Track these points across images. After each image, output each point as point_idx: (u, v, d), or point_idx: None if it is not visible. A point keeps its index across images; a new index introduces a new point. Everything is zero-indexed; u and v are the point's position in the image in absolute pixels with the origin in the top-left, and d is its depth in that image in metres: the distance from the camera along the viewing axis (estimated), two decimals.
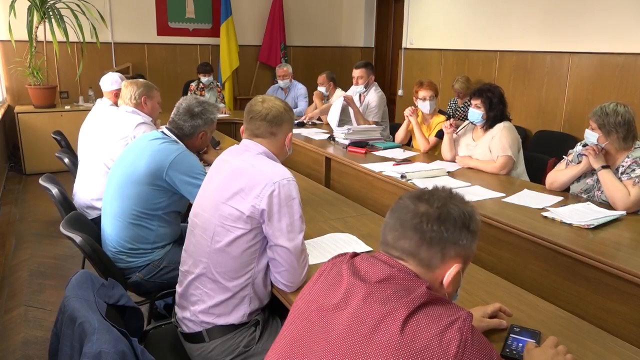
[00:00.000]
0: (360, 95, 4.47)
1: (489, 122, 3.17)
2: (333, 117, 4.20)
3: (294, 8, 7.49)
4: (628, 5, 4.02)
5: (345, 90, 4.83)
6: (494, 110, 3.13)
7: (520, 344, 1.35)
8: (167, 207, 2.24)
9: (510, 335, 1.40)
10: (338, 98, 4.41)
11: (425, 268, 1.07)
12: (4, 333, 2.68)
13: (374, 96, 4.40)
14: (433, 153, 3.70)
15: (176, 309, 1.80)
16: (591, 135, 2.52)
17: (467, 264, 1.13)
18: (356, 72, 4.39)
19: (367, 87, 4.42)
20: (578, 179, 2.66)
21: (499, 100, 3.13)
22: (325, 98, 4.96)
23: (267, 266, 1.69)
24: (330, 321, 1.02)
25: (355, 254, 1.16)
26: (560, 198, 2.61)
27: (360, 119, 4.28)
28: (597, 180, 2.54)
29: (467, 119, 3.34)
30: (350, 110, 4.31)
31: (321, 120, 4.97)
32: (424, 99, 3.69)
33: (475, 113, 3.18)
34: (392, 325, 0.94)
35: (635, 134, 2.49)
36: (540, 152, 4.03)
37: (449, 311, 0.97)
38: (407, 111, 3.76)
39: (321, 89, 4.89)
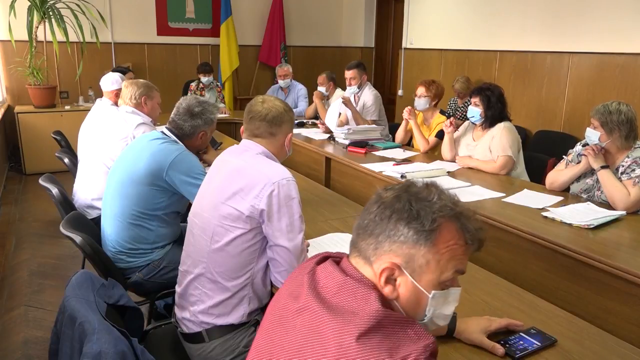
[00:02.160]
0: (354, 96, 4.47)
1: (488, 121, 3.17)
2: (331, 119, 4.20)
3: (294, 8, 7.49)
4: (628, 5, 4.02)
5: (343, 90, 4.84)
6: (491, 109, 3.13)
7: (524, 344, 1.35)
8: (167, 207, 2.24)
9: (521, 333, 1.41)
10: (337, 98, 4.41)
11: (364, 260, 0.99)
12: (4, 333, 2.68)
13: (369, 95, 4.41)
14: (433, 153, 3.70)
15: (176, 309, 1.80)
16: (593, 134, 2.52)
17: (427, 279, 0.96)
18: (348, 74, 4.41)
19: (360, 87, 4.43)
20: (578, 178, 2.66)
21: (497, 99, 3.13)
22: (325, 98, 4.96)
23: (267, 266, 1.69)
24: (286, 335, 0.97)
25: (322, 260, 1.07)
26: (560, 198, 2.61)
27: (359, 119, 4.28)
28: (597, 180, 2.54)
29: (467, 119, 3.34)
30: (349, 111, 4.31)
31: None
32: (419, 97, 3.71)
33: (474, 111, 3.19)
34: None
35: (637, 133, 2.49)
36: (540, 152, 4.02)
37: (392, 343, 0.85)
38: (405, 112, 3.77)
39: (321, 89, 4.89)
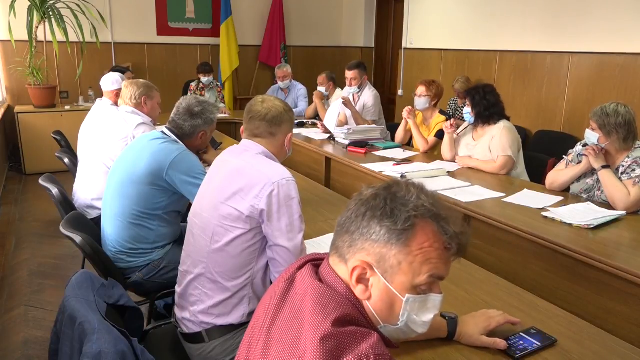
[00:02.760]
0: (353, 96, 4.47)
1: (481, 119, 3.19)
2: (331, 120, 4.20)
3: (294, 8, 7.49)
4: (628, 5, 4.02)
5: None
6: (477, 106, 3.17)
7: (524, 344, 1.35)
8: (167, 207, 2.24)
9: (520, 333, 1.41)
10: (337, 98, 4.42)
11: (340, 259, 0.97)
12: (4, 333, 2.68)
13: (369, 95, 4.42)
14: (433, 153, 3.70)
15: (175, 309, 1.80)
16: (592, 135, 2.52)
17: (399, 281, 0.92)
18: (349, 74, 4.40)
19: (360, 87, 4.43)
20: (578, 178, 2.66)
21: (481, 97, 3.16)
22: (325, 98, 4.96)
23: (267, 266, 1.69)
24: (261, 342, 0.98)
25: (303, 264, 1.06)
26: (560, 198, 2.61)
27: (358, 119, 4.28)
28: (597, 180, 2.54)
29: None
30: (348, 111, 4.31)
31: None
32: (419, 96, 3.71)
33: (466, 112, 3.26)
34: None
35: (636, 134, 2.49)
36: (540, 152, 4.03)
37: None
38: (405, 112, 3.77)
39: (321, 88, 4.89)
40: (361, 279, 0.94)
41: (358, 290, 0.94)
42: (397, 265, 0.92)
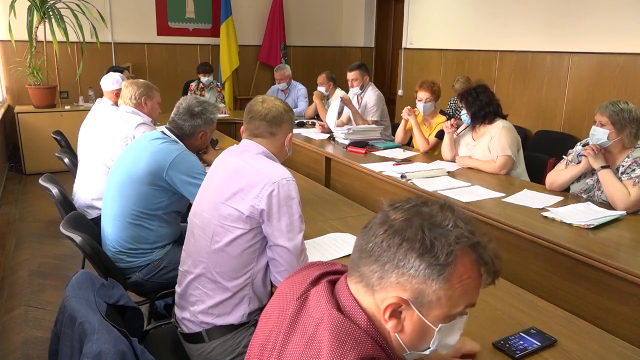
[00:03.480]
0: (357, 97, 4.48)
1: (478, 119, 3.20)
2: (331, 118, 4.20)
3: (294, 8, 7.49)
4: (628, 5, 4.02)
5: (345, 90, 4.84)
6: (472, 107, 3.18)
7: (524, 344, 1.35)
8: (167, 207, 2.24)
9: (520, 333, 1.41)
10: (337, 98, 4.41)
11: (366, 289, 0.90)
12: (4, 333, 2.68)
13: (371, 95, 4.41)
14: (433, 153, 3.70)
15: (175, 309, 1.80)
16: (600, 132, 2.48)
17: (435, 314, 0.87)
18: (350, 75, 4.41)
19: (362, 88, 4.43)
20: (578, 178, 2.66)
21: (474, 98, 3.17)
22: (325, 98, 4.96)
23: (267, 266, 1.69)
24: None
25: (318, 278, 1.01)
26: (560, 198, 2.60)
27: (358, 119, 4.28)
28: (597, 180, 2.54)
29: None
30: (349, 111, 4.31)
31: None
32: (420, 100, 3.70)
33: (463, 114, 3.26)
34: None
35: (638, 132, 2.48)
36: (540, 152, 4.02)
37: None
38: (404, 112, 3.76)
39: (321, 88, 4.89)
40: (395, 313, 0.88)
41: (390, 325, 0.89)
42: (436, 301, 0.86)
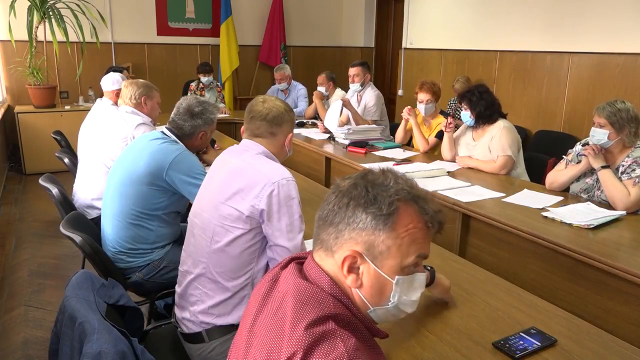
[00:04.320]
0: (357, 95, 4.48)
1: (481, 120, 3.18)
2: (331, 120, 4.20)
3: (294, 8, 7.49)
4: (628, 5, 4.02)
5: (345, 89, 4.84)
6: (476, 108, 3.15)
7: (524, 344, 1.35)
8: (167, 207, 2.24)
9: (520, 333, 1.41)
10: (337, 98, 4.42)
11: (326, 252, 0.98)
12: (4, 333, 2.68)
13: (371, 95, 4.42)
14: (433, 153, 3.70)
15: (175, 309, 1.80)
16: (600, 133, 2.49)
17: (389, 265, 0.95)
18: (352, 70, 4.43)
19: (363, 85, 4.44)
20: (578, 178, 2.66)
21: (478, 98, 3.15)
22: (325, 98, 4.96)
23: (267, 266, 1.69)
24: (243, 340, 1.00)
25: (287, 263, 1.07)
26: (560, 198, 2.60)
27: (358, 119, 4.28)
28: (597, 180, 2.54)
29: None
30: (348, 111, 4.31)
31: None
32: (421, 102, 3.70)
33: (465, 115, 3.23)
34: None
35: (637, 130, 2.48)
36: (540, 152, 4.03)
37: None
38: (405, 112, 3.76)
39: (321, 88, 4.89)
40: (352, 269, 0.95)
41: (349, 280, 0.95)
42: (387, 251, 0.94)
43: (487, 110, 3.15)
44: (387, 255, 0.94)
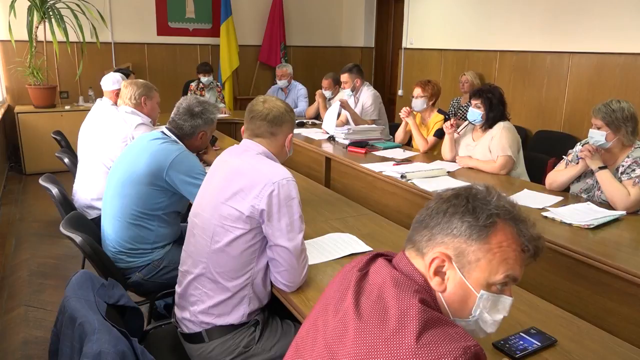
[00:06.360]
0: (354, 98, 4.51)
1: (488, 123, 3.17)
2: (329, 123, 4.21)
3: (294, 8, 7.49)
4: (628, 5, 4.02)
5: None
6: (493, 110, 3.14)
7: (524, 344, 1.35)
8: (167, 207, 2.24)
9: (520, 333, 1.41)
10: (335, 102, 4.42)
11: (417, 252, 1.00)
12: (4, 333, 2.68)
13: (367, 95, 4.44)
14: (433, 153, 3.70)
15: (175, 309, 1.80)
16: (597, 135, 2.50)
17: (475, 277, 0.95)
18: (342, 77, 4.49)
19: (354, 90, 4.47)
20: (578, 178, 2.66)
21: (498, 101, 3.13)
22: (328, 100, 4.96)
23: (267, 266, 1.69)
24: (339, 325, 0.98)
25: (374, 257, 1.07)
26: (560, 198, 2.61)
27: (357, 120, 4.29)
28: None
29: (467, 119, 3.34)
30: (347, 113, 4.31)
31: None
32: (415, 97, 3.72)
33: (475, 113, 3.18)
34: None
35: (636, 128, 2.49)
36: (540, 152, 4.02)
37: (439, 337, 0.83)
38: (402, 113, 3.77)
39: (327, 93, 4.90)
40: (438, 272, 0.96)
41: (434, 282, 0.96)
42: (475, 262, 0.94)
43: (501, 116, 3.15)
44: (475, 266, 0.95)
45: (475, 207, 0.95)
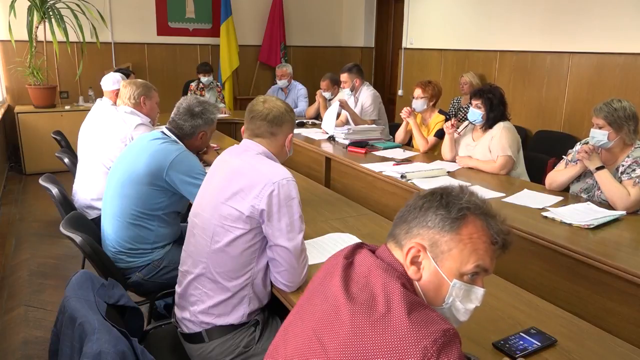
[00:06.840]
0: (353, 98, 4.51)
1: (489, 123, 3.17)
2: (329, 123, 4.21)
3: (294, 8, 7.49)
4: (628, 5, 4.02)
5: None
6: (494, 111, 3.14)
7: (524, 344, 1.35)
8: (167, 207, 2.23)
9: (520, 333, 1.41)
10: (335, 102, 4.42)
11: (396, 244, 1.08)
12: (4, 333, 2.68)
13: (367, 95, 4.45)
14: (433, 153, 3.70)
15: (175, 309, 1.80)
16: (599, 134, 2.49)
17: (448, 266, 1.03)
18: (342, 77, 4.50)
19: (353, 90, 4.47)
20: (578, 178, 2.66)
21: (499, 101, 3.14)
22: (329, 101, 4.96)
23: (267, 266, 1.69)
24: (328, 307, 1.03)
25: (356, 247, 1.14)
26: (560, 198, 2.61)
27: (357, 120, 4.29)
28: None
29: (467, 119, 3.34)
30: (347, 113, 4.31)
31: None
32: (416, 98, 3.73)
33: (476, 113, 3.18)
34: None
35: (636, 127, 2.49)
36: (540, 152, 4.02)
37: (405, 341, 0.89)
38: (403, 113, 3.77)
39: (326, 94, 4.89)
40: (414, 261, 1.04)
41: (411, 271, 1.04)
42: (448, 251, 1.02)
43: (501, 116, 3.15)
44: (448, 255, 1.03)
45: (449, 202, 1.03)
